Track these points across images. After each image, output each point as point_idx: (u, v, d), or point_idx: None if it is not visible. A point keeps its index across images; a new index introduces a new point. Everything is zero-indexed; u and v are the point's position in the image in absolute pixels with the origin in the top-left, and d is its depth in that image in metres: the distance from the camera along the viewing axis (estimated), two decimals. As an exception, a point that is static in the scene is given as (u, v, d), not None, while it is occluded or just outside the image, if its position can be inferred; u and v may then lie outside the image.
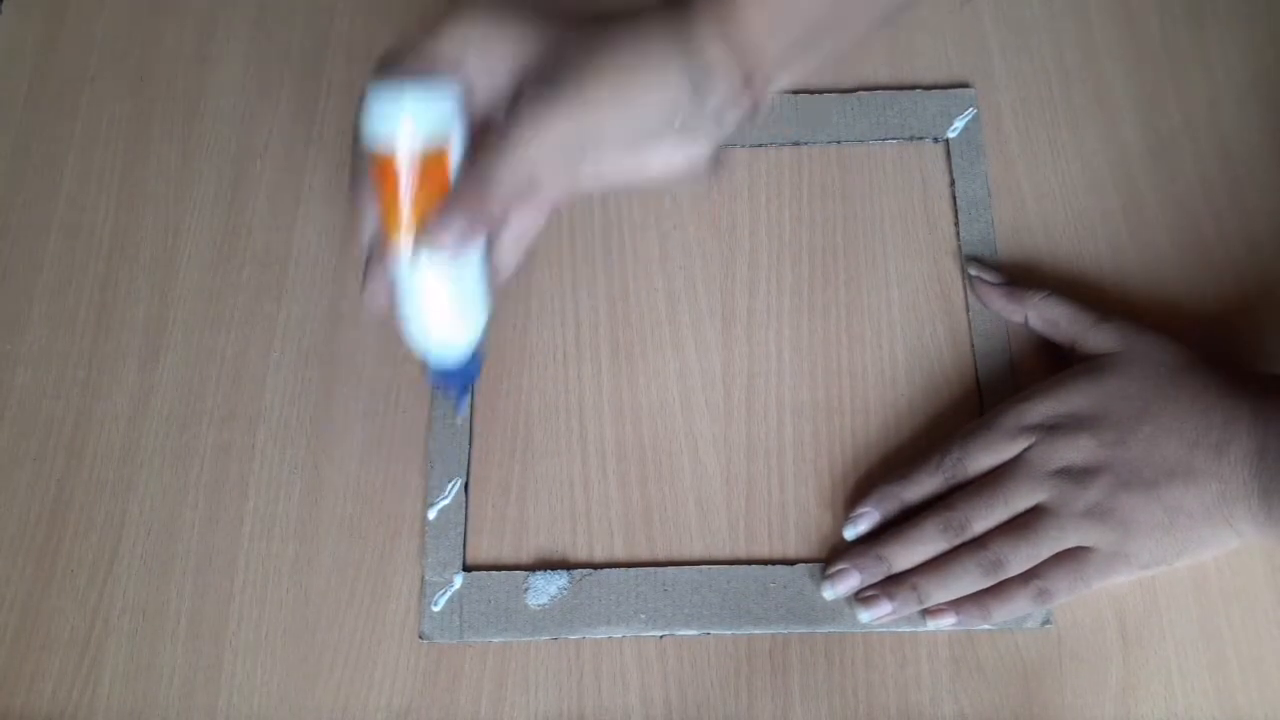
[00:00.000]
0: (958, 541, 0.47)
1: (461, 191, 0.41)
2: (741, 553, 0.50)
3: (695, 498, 0.51)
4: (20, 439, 0.53)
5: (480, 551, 0.50)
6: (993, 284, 0.53)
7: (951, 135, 0.57)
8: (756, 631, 0.48)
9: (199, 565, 0.50)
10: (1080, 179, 0.56)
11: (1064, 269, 0.54)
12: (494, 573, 0.49)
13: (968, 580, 0.47)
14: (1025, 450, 0.48)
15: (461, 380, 0.48)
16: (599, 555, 0.50)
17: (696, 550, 0.50)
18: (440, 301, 0.43)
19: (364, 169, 0.42)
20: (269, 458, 0.52)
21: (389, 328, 0.53)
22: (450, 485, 0.51)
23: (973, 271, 0.54)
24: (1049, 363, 0.52)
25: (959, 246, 0.55)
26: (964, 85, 0.58)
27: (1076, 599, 0.47)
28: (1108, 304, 0.51)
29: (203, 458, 0.52)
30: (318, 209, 0.57)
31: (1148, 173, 0.56)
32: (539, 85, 0.40)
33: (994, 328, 0.53)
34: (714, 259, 0.55)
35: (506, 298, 0.55)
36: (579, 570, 0.49)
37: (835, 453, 0.51)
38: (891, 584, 0.48)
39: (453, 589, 0.49)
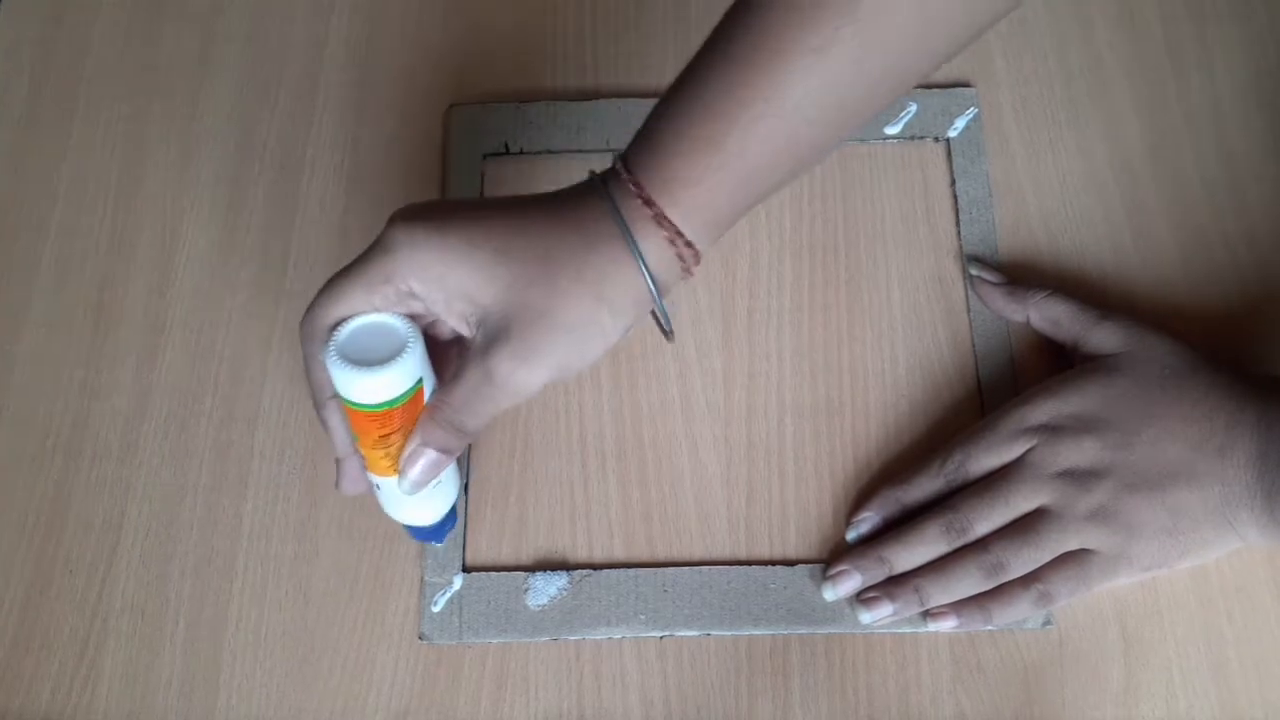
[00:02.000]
0: (959, 543, 0.47)
1: (435, 434, 0.41)
2: (741, 553, 0.50)
3: (695, 498, 0.51)
4: (20, 439, 0.53)
5: (480, 552, 0.50)
6: (994, 283, 0.53)
7: (952, 135, 0.57)
8: (756, 632, 0.48)
9: (198, 566, 0.50)
10: (1081, 179, 0.56)
11: (1065, 268, 0.54)
12: (494, 573, 0.49)
13: (969, 582, 0.47)
14: (1027, 452, 0.47)
15: (438, 536, 0.48)
16: (599, 556, 0.50)
17: (696, 551, 0.50)
18: (416, 495, 0.43)
19: (327, 395, 0.42)
20: (268, 458, 0.52)
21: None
22: (450, 486, 0.51)
23: (974, 271, 0.54)
24: (1051, 362, 0.52)
25: (960, 246, 0.55)
26: (964, 85, 0.58)
27: (1077, 600, 0.47)
28: (1109, 304, 0.51)
29: (201, 458, 0.52)
30: (317, 209, 0.57)
31: (1148, 172, 0.56)
32: (508, 340, 0.39)
33: (995, 327, 0.53)
34: (714, 259, 0.55)
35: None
36: (579, 571, 0.49)
37: (835, 453, 0.51)
38: (893, 585, 0.47)
39: (452, 590, 0.49)
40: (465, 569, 0.50)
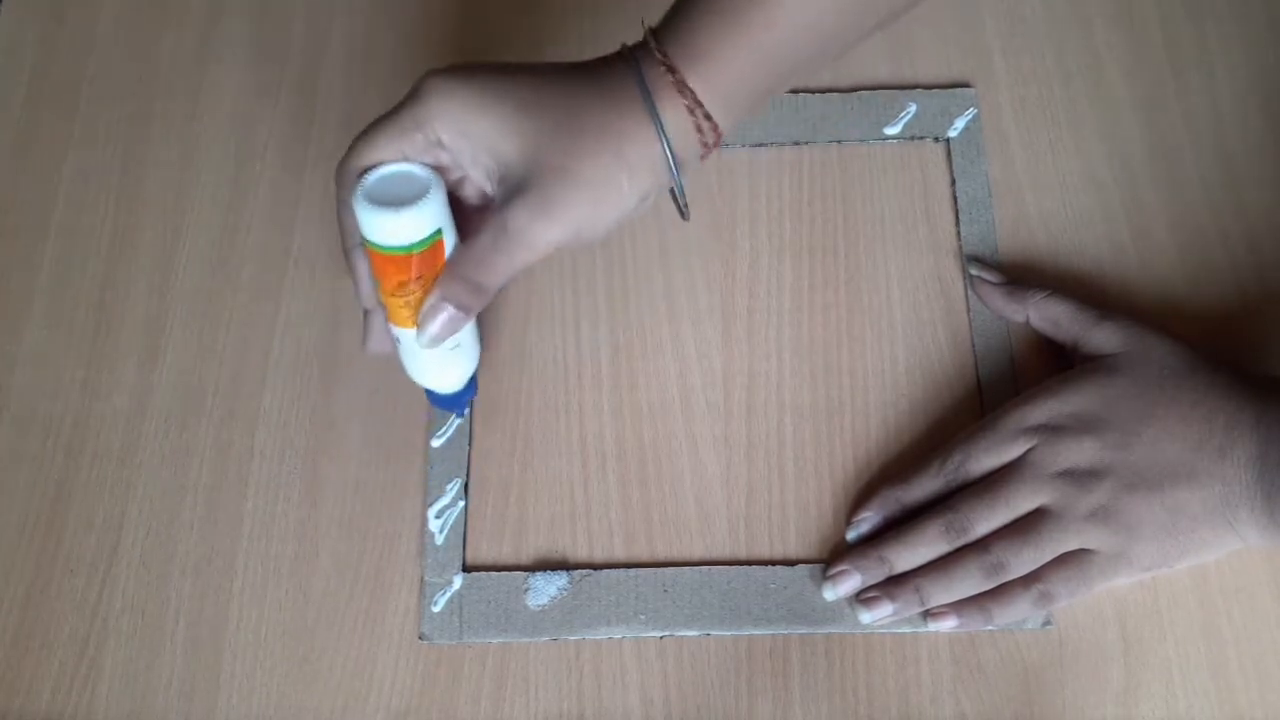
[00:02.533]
0: (959, 543, 0.47)
1: (453, 288, 0.42)
2: (742, 553, 0.50)
3: (695, 498, 0.51)
4: (20, 439, 0.53)
5: (480, 552, 0.50)
6: (993, 283, 0.53)
7: (952, 135, 0.57)
8: (756, 632, 0.48)
9: (198, 565, 0.50)
10: (1080, 179, 0.56)
11: (1064, 268, 0.54)
12: (494, 573, 0.49)
13: (969, 582, 0.47)
14: (1027, 452, 0.47)
15: (459, 405, 0.50)
16: (599, 556, 0.50)
17: (696, 551, 0.50)
18: (435, 356, 0.45)
19: (355, 240, 0.43)
20: (268, 457, 0.52)
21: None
22: (450, 485, 0.51)
23: (973, 271, 0.54)
24: (1050, 362, 0.52)
25: (959, 246, 0.55)
26: (964, 85, 0.58)
27: (1077, 600, 0.47)
28: (1109, 304, 0.51)
29: (202, 457, 0.52)
30: (317, 209, 0.57)
31: (1148, 172, 0.56)
32: (525, 193, 0.41)
33: (995, 327, 0.53)
34: (714, 259, 0.55)
35: (507, 298, 0.55)
36: (579, 571, 0.49)
37: (835, 453, 0.51)
38: (893, 585, 0.47)
39: (452, 589, 0.49)
40: (465, 569, 0.50)
